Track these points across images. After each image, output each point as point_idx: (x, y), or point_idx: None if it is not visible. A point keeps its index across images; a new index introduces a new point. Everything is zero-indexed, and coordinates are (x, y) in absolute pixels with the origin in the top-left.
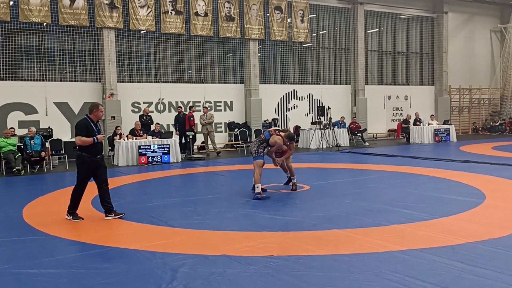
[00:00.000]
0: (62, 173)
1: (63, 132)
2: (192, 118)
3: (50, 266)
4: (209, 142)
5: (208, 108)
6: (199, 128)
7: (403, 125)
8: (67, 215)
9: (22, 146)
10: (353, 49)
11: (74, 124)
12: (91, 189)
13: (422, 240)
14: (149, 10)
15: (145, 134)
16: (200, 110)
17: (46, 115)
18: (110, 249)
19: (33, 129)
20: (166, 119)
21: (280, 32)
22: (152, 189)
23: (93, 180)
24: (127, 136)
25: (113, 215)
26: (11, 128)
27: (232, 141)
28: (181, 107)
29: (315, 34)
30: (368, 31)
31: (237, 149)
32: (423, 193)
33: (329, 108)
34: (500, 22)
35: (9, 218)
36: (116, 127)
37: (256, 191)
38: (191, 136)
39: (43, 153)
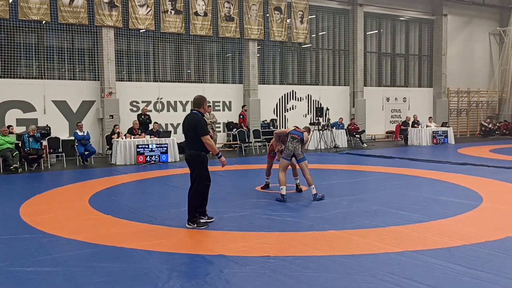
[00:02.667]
0: (59, 171)
1: (61, 130)
2: (242, 117)
3: (47, 264)
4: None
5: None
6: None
7: (402, 127)
8: (188, 224)
9: (20, 144)
10: (352, 51)
11: (72, 123)
12: (89, 187)
13: (419, 241)
14: (149, 9)
15: (143, 133)
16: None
17: (44, 113)
18: (106, 248)
19: (34, 126)
20: (164, 118)
21: (280, 32)
22: (150, 189)
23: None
24: (125, 135)
25: (206, 218)
26: (10, 126)
27: (230, 141)
28: (209, 106)
29: (314, 35)
30: (367, 33)
31: (235, 149)
32: (420, 195)
33: (327, 109)
34: (499, 25)
35: (6, 216)
36: (115, 126)
37: (314, 192)
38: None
39: (44, 144)
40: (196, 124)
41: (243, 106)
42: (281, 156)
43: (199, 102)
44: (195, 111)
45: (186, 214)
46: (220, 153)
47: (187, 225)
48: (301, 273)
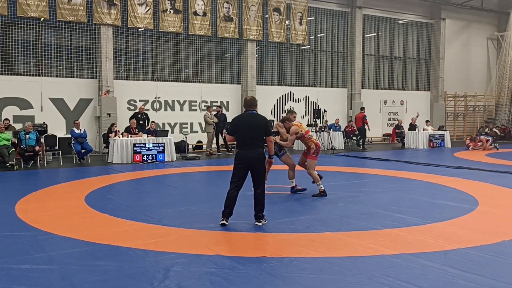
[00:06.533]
0: (56, 169)
1: (58, 128)
2: (366, 118)
3: (42, 262)
4: (214, 141)
5: (214, 107)
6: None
7: (396, 130)
8: (260, 221)
9: (16, 141)
10: (350, 53)
11: (69, 120)
12: (85, 186)
13: (415, 244)
14: (148, 8)
15: (140, 132)
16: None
17: (41, 111)
18: (102, 247)
19: (30, 123)
20: (162, 117)
21: (278, 33)
22: (146, 188)
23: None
24: (122, 133)
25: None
26: (6, 119)
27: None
28: (220, 107)
29: (313, 37)
30: (366, 35)
31: (232, 149)
32: (416, 198)
33: (325, 111)
34: (497, 30)
35: (1, 213)
36: (112, 125)
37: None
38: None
39: (37, 147)
40: (266, 124)
41: (362, 108)
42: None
43: (254, 102)
44: (255, 111)
45: (182, 214)
46: (273, 155)
47: (257, 223)
48: (297, 274)
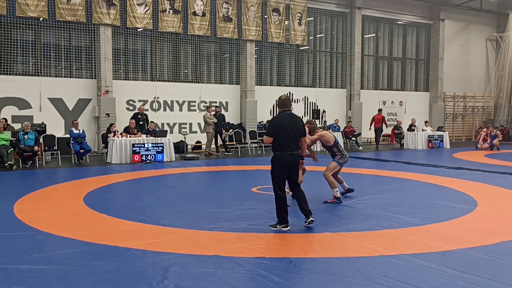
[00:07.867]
0: (54, 169)
1: (57, 128)
2: (385, 119)
3: (41, 262)
4: (213, 141)
5: (213, 108)
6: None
7: (395, 131)
8: (310, 217)
9: (15, 141)
10: (349, 53)
11: (68, 120)
12: (84, 186)
13: (413, 245)
14: (147, 8)
15: (139, 133)
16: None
17: (40, 111)
18: (101, 247)
19: (27, 123)
20: (161, 117)
21: (278, 34)
22: (145, 188)
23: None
24: (121, 133)
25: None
26: (2, 119)
27: (226, 141)
28: (218, 107)
29: (312, 37)
30: (365, 36)
31: (231, 149)
32: (415, 198)
33: (324, 111)
34: (496, 31)
35: (0, 213)
36: (111, 125)
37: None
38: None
39: (36, 148)
40: (303, 124)
41: (380, 110)
42: (338, 162)
43: (289, 102)
44: (292, 112)
45: (180, 214)
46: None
47: (311, 218)
48: (295, 275)
